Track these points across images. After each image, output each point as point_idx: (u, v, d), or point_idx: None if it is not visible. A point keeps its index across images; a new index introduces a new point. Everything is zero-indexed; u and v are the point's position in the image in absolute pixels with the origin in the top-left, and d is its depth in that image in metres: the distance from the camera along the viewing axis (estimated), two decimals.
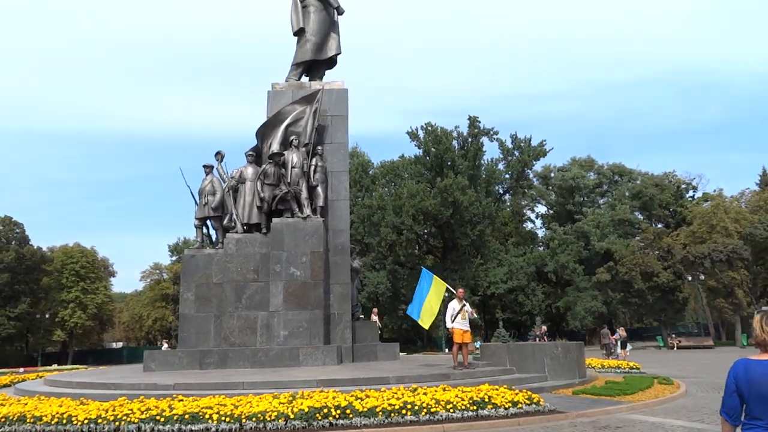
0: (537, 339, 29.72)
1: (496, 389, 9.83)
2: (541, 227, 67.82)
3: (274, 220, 16.79)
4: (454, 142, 54.02)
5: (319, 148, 18.07)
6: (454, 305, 13.33)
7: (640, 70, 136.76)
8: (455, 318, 13.18)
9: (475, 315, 13.75)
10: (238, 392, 10.35)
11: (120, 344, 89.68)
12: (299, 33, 19.50)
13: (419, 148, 54.37)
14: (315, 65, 19.93)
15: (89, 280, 62.93)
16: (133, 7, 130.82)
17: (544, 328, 33.87)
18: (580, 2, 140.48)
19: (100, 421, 8.32)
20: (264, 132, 18.09)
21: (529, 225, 69.78)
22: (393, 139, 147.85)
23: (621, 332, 33.29)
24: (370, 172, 57.49)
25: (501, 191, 59.42)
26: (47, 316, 59.06)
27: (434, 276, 13.99)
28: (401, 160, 57.13)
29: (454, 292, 13.63)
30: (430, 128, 53.31)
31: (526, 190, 63.78)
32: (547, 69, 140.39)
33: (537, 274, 56.37)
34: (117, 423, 8.21)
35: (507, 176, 57.43)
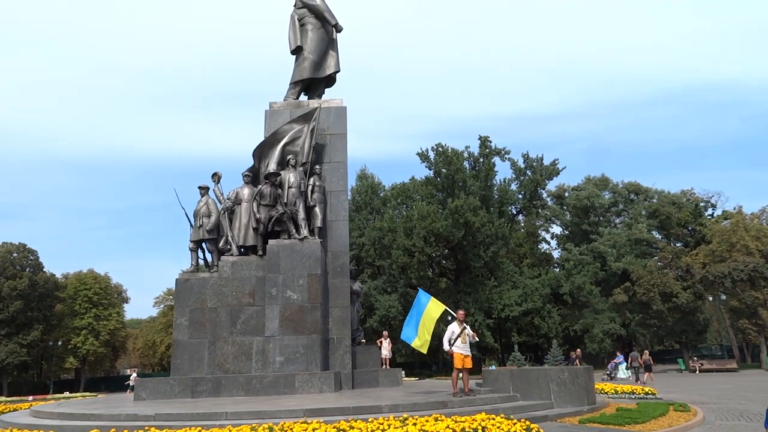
0: (578, 362, 28.70)
1: (493, 419, 9.12)
2: (556, 248, 66.75)
3: (270, 241, 16.30)
4: (465, 163, 53.52)
5: (317, 167, 17.64)
6: (453, 328, 12.64)
7: (656, 88, 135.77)
8: (455, 342, 12.49)
9: (476, 339, 13.04)
10: (219, 423, 9.75)
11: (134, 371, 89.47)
12: (297, 51, 19.25)
13: (430, 169, 53.94)
14: (314, 84, 19.62)
15: (102, 307, 62.95)
16: (151, 38, 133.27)
17: (579, 351, 32.53)
18: (594, 21, 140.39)
19: None
20: (261, 152, 17.74)
21: (544, 246, 68.75)
22: (404, 163, 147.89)
23: (645, 356, 32.38)
24: (381, 195, 57.05)
25: (514, 212, 58.59)
26: (60, 343, 58.93)
27: (432, 297, 13.34)
28: (412, 182, 56.69)
29: (454, 314, 12.94)
30: (440, 149, 52.89)
31: (539, 210, 62.87)
32: (560, 89, 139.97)
33: (553, 296, 55.21)
34: None
35: (519, 196, 56.66)
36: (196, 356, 15.69)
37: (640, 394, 17.01)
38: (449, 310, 13.18)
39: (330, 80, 19.91)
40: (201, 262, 17.22)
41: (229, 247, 16.61)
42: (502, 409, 11.20)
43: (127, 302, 70.87)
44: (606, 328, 50.19)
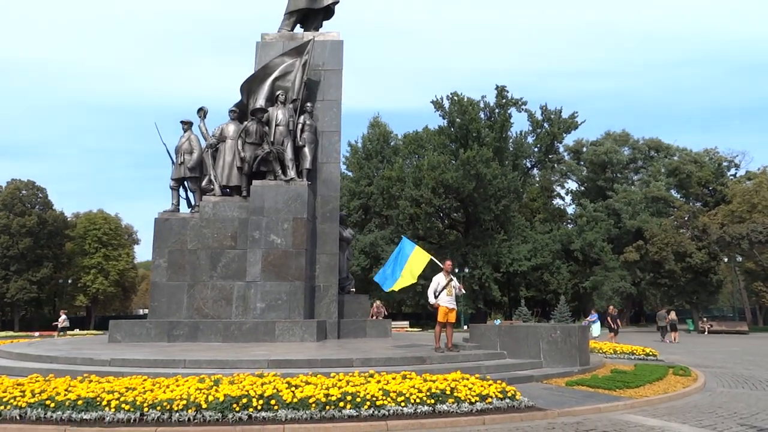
0: (609, 319, 27.42)
1: (467, 378, 8.29)
2: (570, 204, 65.31)
3: (254, 182, 15.40)
4: (481, 113, 51.65)
5: (309, 105, 16.51)
6: (439, 279, 11.74)
7: (686, 48, 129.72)
8: (440, 294, 11.62)
9: (463, 291, 12.15)
10: (173, 372, 9.04)
11: (147, 311, 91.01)
12: None
13: (444, 118, 52.19)
14: (310, 15, 18.27)
15: (111, 247, 63.13)
16: None
17: (612, 308, 30.47)
18: None
19: None
20: (249, 87, 16.62)
21: (558, 202, 67.33)
22: (420, 116, 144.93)
23: (671, 315, 31.75)
24: (392, 144, 55.64)
25: (528, 165, 56.90)
26: (70, 281, 59.52)
27: (416, 246, 12.41)
28: (425, 132, 55.10)
29: (441, 264, 12.02)
30: (456, 98, 50.97)
31: (555, 165, 61.14)
32: (586, 46, 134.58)
33: (564, 252, 54.21)
34: (1, 407, 6.95)
35: (535, 150, 54.85)
36: (174, 299, 15.06)
37: (640, 355, 16.12)
38: (435, 260, 12.25)
39: (328, 12, 18.52)
40: (184, 201, 16.41)
41: (211, 186, 15.74)
42: (485, 368, 10.42)
43: (137, 243, 71.08)
44: (616, 286, 49.26)
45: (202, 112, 16.78)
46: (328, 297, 15.93)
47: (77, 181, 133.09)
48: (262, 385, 7.40)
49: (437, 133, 53.05)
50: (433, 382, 8.00)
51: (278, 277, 14.78)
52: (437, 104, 51.85)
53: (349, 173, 54.44)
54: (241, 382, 7.66)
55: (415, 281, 12.10)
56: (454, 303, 11.80)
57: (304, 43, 16.66)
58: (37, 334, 41.30)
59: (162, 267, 15.25)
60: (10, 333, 44.21)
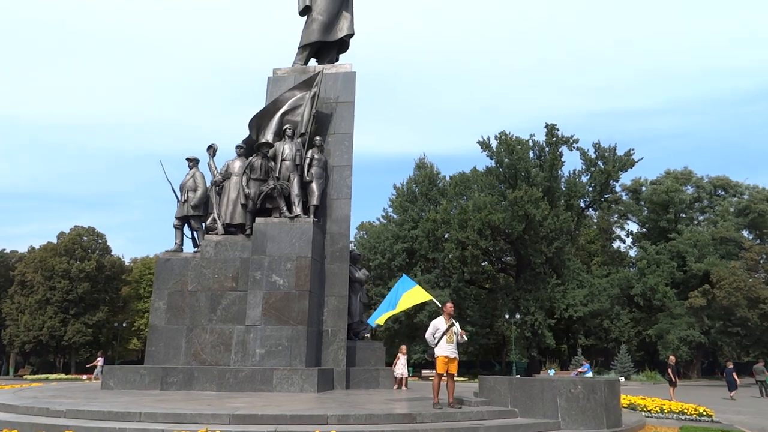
0: (670, 371, 25.08)
1: None
2: (632, 246, 61.75)
3: (257, 220, 14.61)
4: (530, 152, 50.00)
5: (318, 138, 15.73)
6: (438, 324, 10.36)
7: (753, 82, 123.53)
8: (439, 341, 10.23)
9: (465, 337, 10.69)
10: (126, 426, 8.11)
11: None
12: (305, 12, 17.44)
13: (491, 158, 50.78)
14: (324, 49, 17.72)
15: None
16: (234, 31, 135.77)
17: (673, 358, 28.07)
18: (683, 11, 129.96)
19: None
20: (259, 122, 16.03)
21: (619, 244, 63.83)
22: (470, 158, 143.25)
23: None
24: (439, 185, 54.54)
25: (583, 205, 54.34)
26: (124, 325, 60.66)
27: (417, 285, 11.13)
28: (472, 173, 53.78)
29: (440, 306, 10.66)
30: (503, 137, 49.62)
31: (612, 205, 58.21)
32: (644, 84, 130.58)
33: (625, 297, 50.88)
34: None
35: (590, 189, 52.37)
36: (172, 344, 14.23)
37: (691, 414, 13.91)
38: (436, 301, 10.91)
39: (343, 45, 17.95)
40: (189, 241, 15.77)
41: (215, 225, 15.04)
42: (485, 429, 8.90)
43: None
44: (683, 335, 45.45)
45: (211, 150, 16.29)
46: (336, 343, 14.72)
47: (141, 229, 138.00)
48: None
49: (485, 173, 51.63)
50: None
51: (279, 321, 13.76)
52: (484, 145, 50.51)
53: (394, 216, 53.58)
54: None
55: (397, 312, 10.80)
56: (456, 351, 10.36)
57: (313, 75, 16.03)
58: (84, 377, 41.83)
59: (161, 309, 14.53)
60: (62, 376, 45.09)
